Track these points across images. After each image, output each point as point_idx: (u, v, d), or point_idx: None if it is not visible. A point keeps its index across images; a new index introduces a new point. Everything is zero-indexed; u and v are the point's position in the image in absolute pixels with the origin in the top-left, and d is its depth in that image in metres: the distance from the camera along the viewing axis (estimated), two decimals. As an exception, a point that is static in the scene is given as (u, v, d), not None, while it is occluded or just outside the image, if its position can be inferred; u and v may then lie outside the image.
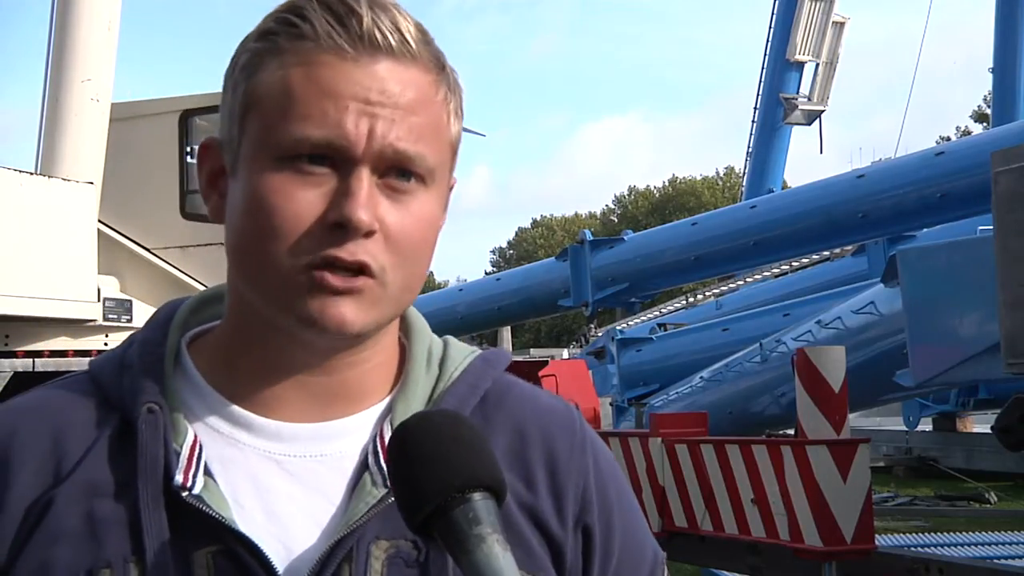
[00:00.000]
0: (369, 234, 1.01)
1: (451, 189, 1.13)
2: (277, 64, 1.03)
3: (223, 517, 1.02)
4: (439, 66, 1.07)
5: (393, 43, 1.03)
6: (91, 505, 1.04)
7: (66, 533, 1.03)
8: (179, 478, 1.03)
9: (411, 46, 1.04)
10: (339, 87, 1.01)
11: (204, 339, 1.15)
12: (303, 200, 1.01)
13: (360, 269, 1.02)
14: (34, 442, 1.06)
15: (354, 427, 1.10)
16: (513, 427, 1.14)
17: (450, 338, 1.20)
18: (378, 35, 1.02)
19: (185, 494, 1.02)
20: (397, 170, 1.03)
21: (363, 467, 1.07)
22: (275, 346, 1.07)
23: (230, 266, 1.08)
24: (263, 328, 1.07)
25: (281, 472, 1.07)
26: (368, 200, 1.01)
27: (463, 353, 1.17)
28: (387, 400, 1.12)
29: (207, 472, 1.05)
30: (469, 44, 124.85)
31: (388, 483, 1.04)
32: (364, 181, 1.01)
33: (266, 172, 1.02)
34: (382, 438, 1.08)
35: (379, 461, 1.07)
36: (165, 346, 1.12)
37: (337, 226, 1.00)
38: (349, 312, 1.02)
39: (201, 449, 1.06)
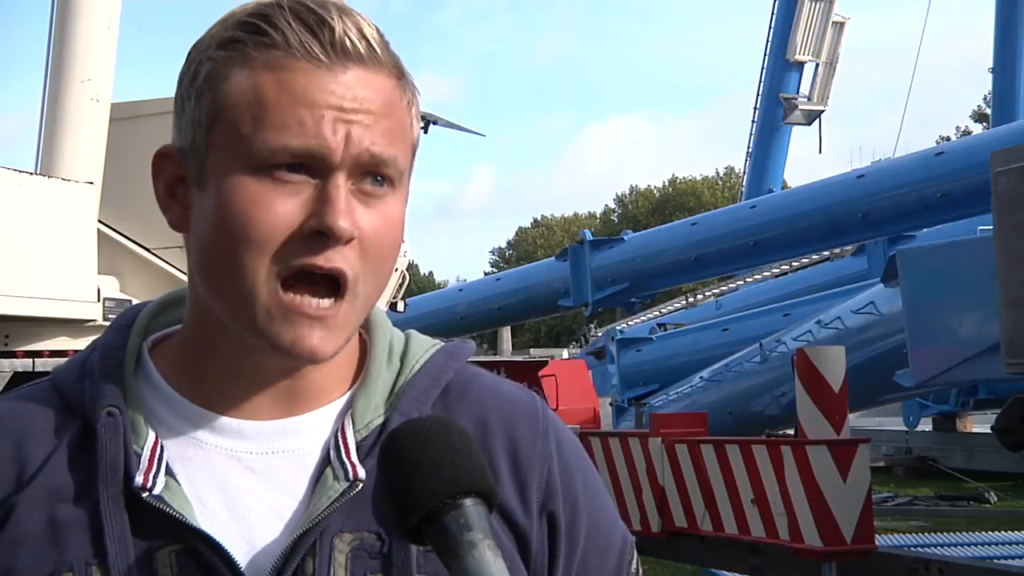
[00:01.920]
0: (348, 241, 1.02)
1: None
2: (246, 73, 1.03)
3: (183, 516, 1.03)
4: (400, 71, 1.08)
5: (362, 50, 1.04)
6: (53, 510, 1.04)
7: (28, 538, 1.04)
8: (139, 479, 1.03)
9: (377, 52, 1.05)
10: (314, 95, 1.01)
11: (167, 343, 1.15)
12: (281, 209, 1.01)
13: (335, 277, 1.02)
14: None
15: (315, 423, 1.10)
16: (476, 419, 1.14)
17: (412, 332, 1.20)
18: (348, 43, 1.03)
19: (145, 495, 1.03)
20: (370, 175, 1.04)
21: (325, 462, 1.08)
22: (238, 355, 1.08)
23: (196, 277, 1.08)
24: (225, 337, 1.07)
25: (243, 469, 1.08)
26: (347, 206, 1.02)
27: (424, 346, 1.18)
28: (348, 395, 1.13)
29: (169, 473, 1.05)
30: (476, 45, 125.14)
31: (350, 477, 1.06)
32: (342, 188, 1.02)
33: (242, 182, 1.02)
34: (343, 433, 1.09)
35: (340, 456, 1.08)
36: (126, 350, 1.12)
37: (317, 234, 1.01)
38: (320, 341, 1.03)
39: (162, 450, 1.06)
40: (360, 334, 1.16)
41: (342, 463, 1.07)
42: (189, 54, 1.08)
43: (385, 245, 1.05)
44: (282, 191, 1.01)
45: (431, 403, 1.13)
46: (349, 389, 1.13)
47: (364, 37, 1.04)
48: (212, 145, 1.04)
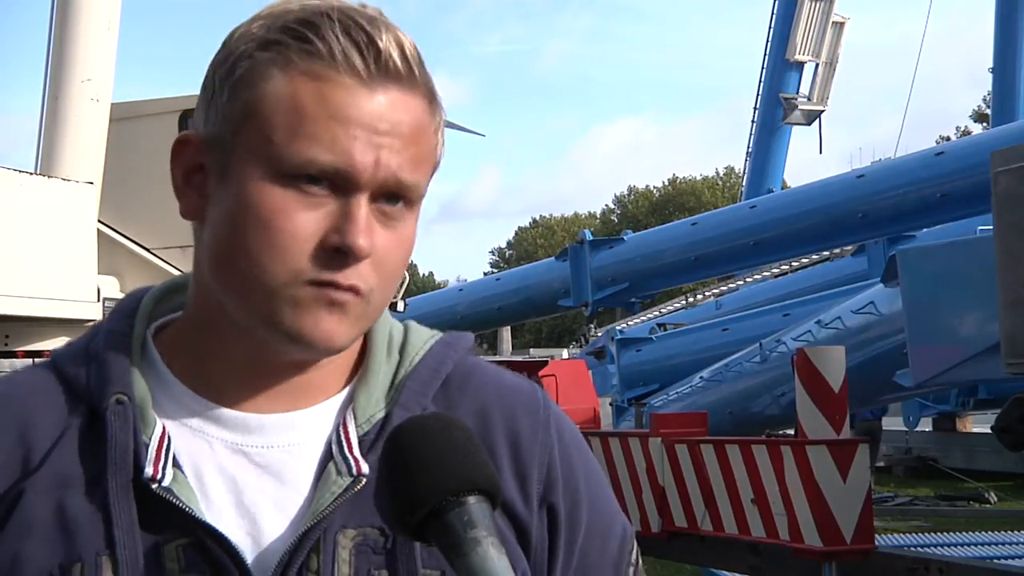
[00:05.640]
0: (364, 259, 1.03)
1: None
2: (285, 78, 1.02)
3: (192, 509, 1.03)
4: (432, 93, 1.07)
5: (402, 71, 1.03)
6: (61, 498, 1.04)
7: (37, 527, 1.03)
8: (149, 470, 1.03)
9: (415, 74, 1.05)
10: (350, 113, 1.01)
11: (168, 330, 1.15)
12: (302, 221, 1.01)
13: (350, 291, 1.03)
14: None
15: (317, 417, 1.10)
16: (476, 410, 1.14)
17: (411, 323, 1.20)
18: (391, 63, 1.03)
19: (155, 486, 1.03)
20: (391, 197, 1.04)
21: (327, 457, 1.08)
22: (241, 347, 1.08)
23: (208, 267, 1.07)
24: (231, 330, 1.07)
25: (249, 464, 1.07)
26: (367, 226, 1.02)
27: (423, 337, 1.17)
28: (348, 390, 1.13)
29: (176, 464, 1.05)
30: (485, 48, 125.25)
31: (353, 472, 1.06)
32: (363, 208, 1.02)
33: (266, 186, 1.02)
34: (345, 428, 1.09)
35: (343, 450, 1.08)
36: (131, 336, 1.12)
37: (337, 251, 1.01)
38: (338, 328, 1.03)
39: (169, 441, 1.06)
40: None
41: (345, 458, 1.07)
42: (227, 44, 1.07)
43: (397, 262, 1.06)
44: (305, 203, 1.01)
45: (432, 395, 1.13)
46: (348, 384, 1.13)
47: (406, 57, 1.03)
48: (240, 143, 1.04)
